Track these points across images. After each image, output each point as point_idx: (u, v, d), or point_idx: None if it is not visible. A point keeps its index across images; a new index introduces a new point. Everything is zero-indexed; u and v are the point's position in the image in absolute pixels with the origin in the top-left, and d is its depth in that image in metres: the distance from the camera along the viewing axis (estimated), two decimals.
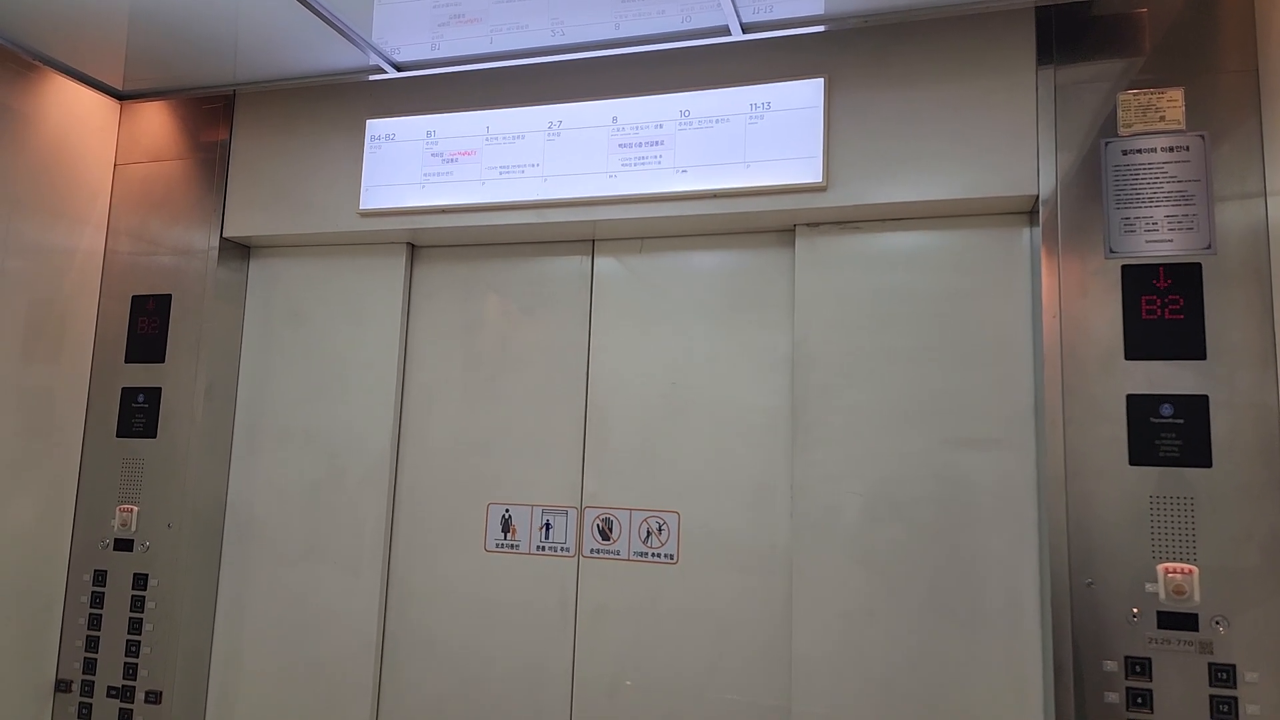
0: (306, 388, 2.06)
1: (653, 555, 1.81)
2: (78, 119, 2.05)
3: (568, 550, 1.87)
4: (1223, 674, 1.36)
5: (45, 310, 1.97)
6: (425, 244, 2.06)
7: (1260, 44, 1.46)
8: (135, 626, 1.95)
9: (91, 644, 1.97)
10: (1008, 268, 1.65)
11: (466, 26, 1.74)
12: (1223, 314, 1.42)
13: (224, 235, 2.05)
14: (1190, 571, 1.39)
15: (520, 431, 1.93)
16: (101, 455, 2.03)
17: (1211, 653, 1.37)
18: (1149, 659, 1.39)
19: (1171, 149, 1.48)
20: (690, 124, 1.77)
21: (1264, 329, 1.40)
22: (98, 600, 1.98)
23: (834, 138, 1.68)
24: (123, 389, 2.04)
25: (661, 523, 1.81)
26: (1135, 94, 1.51)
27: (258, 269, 2.15)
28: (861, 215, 1.71)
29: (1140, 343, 1.45)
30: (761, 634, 1.72)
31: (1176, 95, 1.49)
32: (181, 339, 2.02)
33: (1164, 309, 1.44)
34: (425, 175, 1.92)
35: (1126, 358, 1.46)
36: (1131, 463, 1.44)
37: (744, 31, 1.70)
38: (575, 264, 1.96)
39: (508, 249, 2.01)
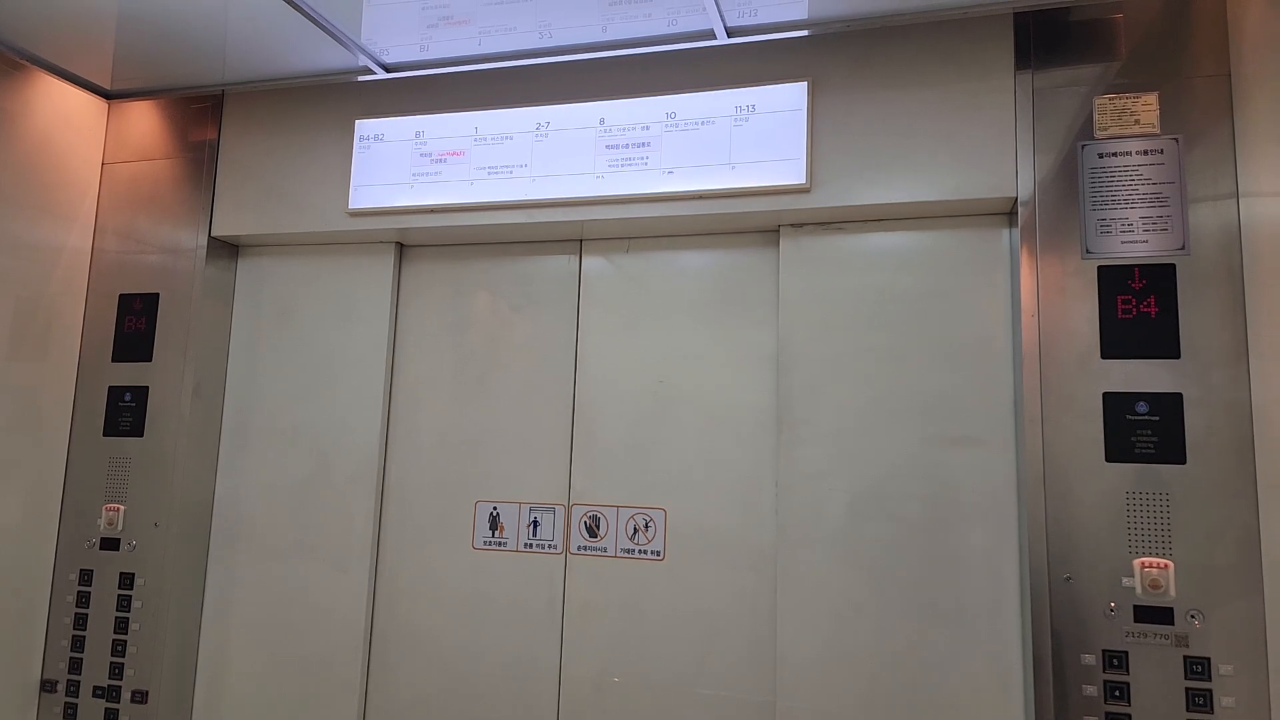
0: (295, 386, 2.06)
1: (639, 552, 1.82)
2: (65, 118, 2.05)
3: (555, 547, 1.88)
4: (1198, 667, 1.38)
5: (32, 308, 1.97)
6: (414, 243, 2.07)
7: (1232, 49, 1.49)
8: (121, 626, 1.95)
9: (77, 643, 1.96)
10: (987, 268, 1.67)
11: (455, 28, 1.75)
12: (1196, 313, 1.45)
13: (212, 234, 2.06)
14: (1166, 566, 1.41)
15: (508, 429, 1.94)
16: (88, 454, 2.03)
17: (1187, 646, 1.39)
18: (1126, 652, 1.42)
19: (1146, 152, 1.51)
20: (676, 126, 1.79)
21: (1236, 328, 1.43)
22: (84, 600, 1.98)
23: (817, 140, 1.70)
24: (110, 388, 2.03)
25: (648, 519, 1.83)
26: (1111, 98, 1.54)
27: (246, 268, 2.15)
28: (844, 216, 1.74)
29: (1116, 342, 1.48)
30: (747, 630, 1.73)
31: (1151, 99, 1.52)
32: (169, 338, 2.02)
33: (1139, 308, 1.47)
34: (414, 175, 1.94)
35: (1103, 356, 1.48)
36: (1108, 460, 1.46)
37: (729, 35, 1.72)
38: (563, 263, 1.98)
39: (496, 249, 2.02)
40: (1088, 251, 1.52)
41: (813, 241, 1.77)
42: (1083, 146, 1.55)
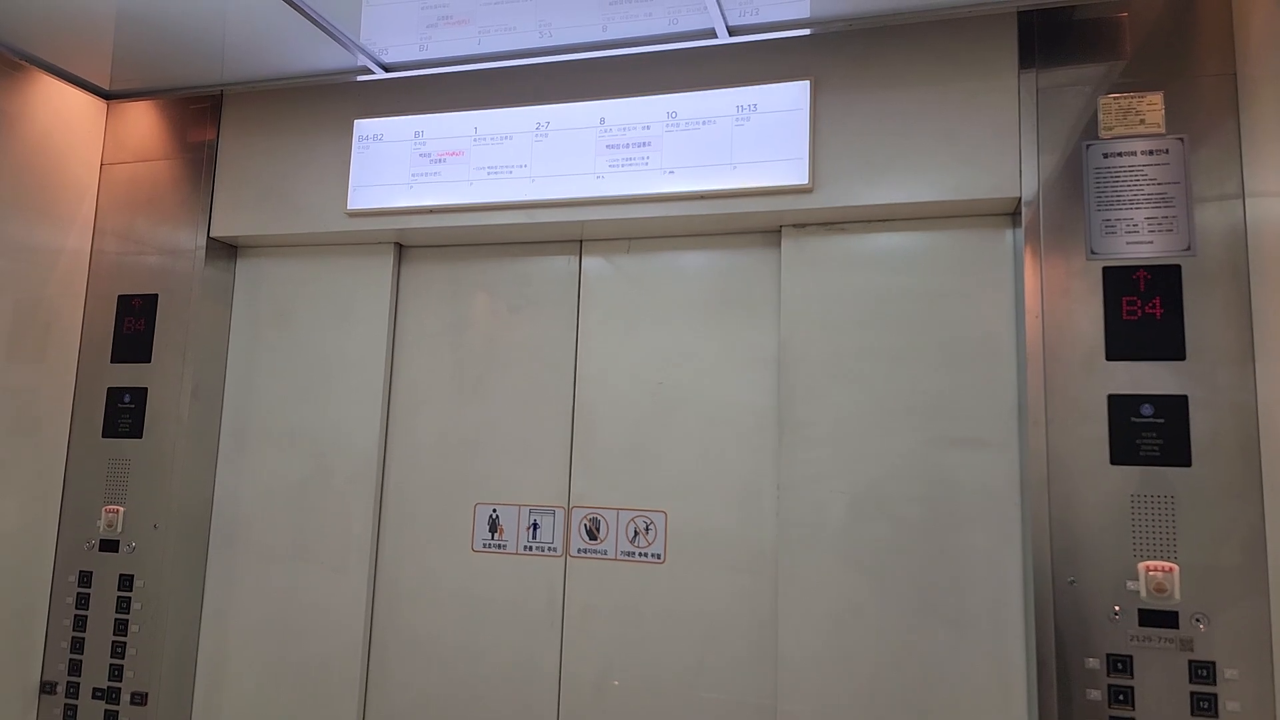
0: (293, 388, 2.05)
1: (640, 555, 1.81)
2: (64, 119, 2.05)
3: (555, 550, 1.87)
4: (1203, 671, 1.37)
5: (30, 310, 1.96)
6: (413, 244, 2.06)
7: (1238, 48, 1.48)
8: (121, 628, 1.94)
9: (77, 645, 1.96)
10: (991, 269, 1.66)
11: (454, 28, 1.75)
12: (1202, 315, 1.44)
13: (211, 235, 2.05)
14: (1171, 569, 1.40)
15: (508, 431, 1.93)
16: (87, 456, 2.03)
17: (1192, 650, 1.38)
18: (1130, 656, 1.41)
19: (1151, 152, 1.50)
20: (677, 126, 1.78)
21: (1242, 329, 1.42)
22: (83, 601, 1.97)
23: (819, 140, 1.69)
24: (109, 389, 2.03)
25: (649, 522, 1.82)
26: (1116, 97, 1.53)
27: (245, 269, 2.14)
28: (846, 216, 1.73)
29: (1121, 343, 1.47)
30: (748, 633, 1.73)
31: (1156, 99, 1.51)
32: (168, 339, 2.02)
33: (1144, 310, 1.46)
34: (413, 175, 1.93)
35: (1107, 358, 1.47)
36: (1113, 462, 1.45)
37: (730, 34, 1.71)
38: (563, 264, 1.97)
39: (496, 249, 2.01)
40: (1092, 252, 1.51)
41: (815, 242, 1.76)
42: (1087, 146, 1.53)
